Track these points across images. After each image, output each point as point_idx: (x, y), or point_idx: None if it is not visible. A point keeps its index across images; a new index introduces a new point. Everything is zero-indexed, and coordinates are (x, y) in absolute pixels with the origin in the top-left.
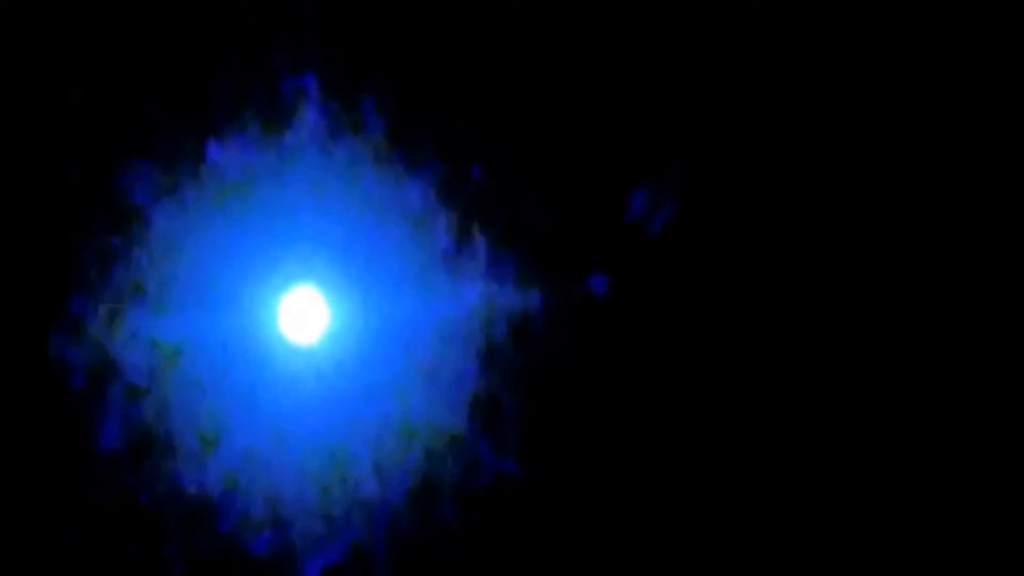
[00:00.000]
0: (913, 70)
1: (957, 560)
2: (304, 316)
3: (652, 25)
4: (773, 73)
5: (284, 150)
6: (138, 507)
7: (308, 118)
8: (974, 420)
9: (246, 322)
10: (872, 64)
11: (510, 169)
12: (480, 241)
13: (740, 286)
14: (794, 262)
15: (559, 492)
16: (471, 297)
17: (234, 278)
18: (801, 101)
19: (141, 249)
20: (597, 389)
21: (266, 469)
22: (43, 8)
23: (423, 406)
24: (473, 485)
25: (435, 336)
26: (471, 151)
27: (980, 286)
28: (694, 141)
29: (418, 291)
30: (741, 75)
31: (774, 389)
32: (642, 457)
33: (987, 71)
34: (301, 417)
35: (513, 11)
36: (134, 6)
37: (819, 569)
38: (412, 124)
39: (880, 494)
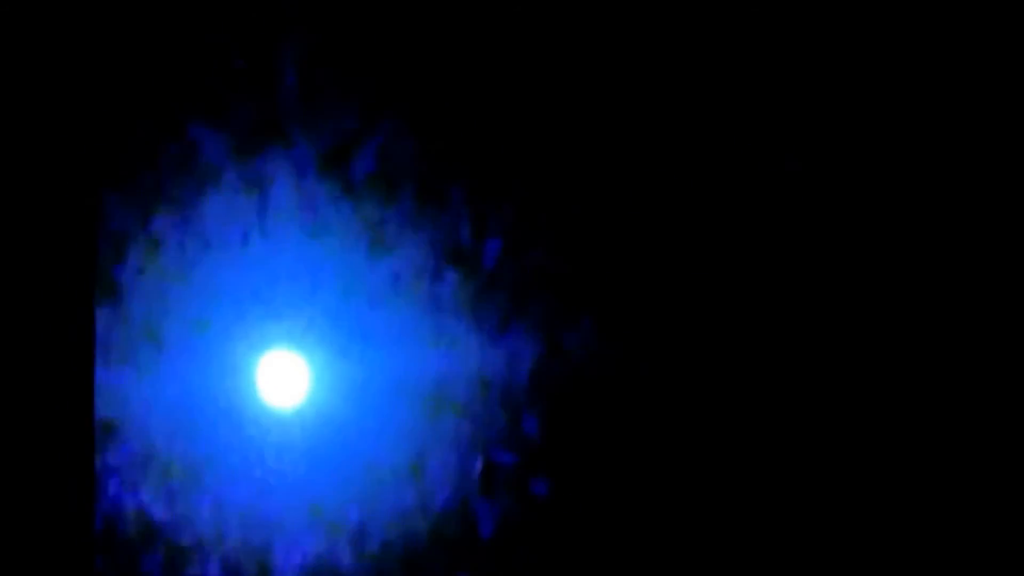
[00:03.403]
0: (913, 70)
1: (957, 560)
2: (283, 379)
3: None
4: (772, 75)
5: (265, 208)
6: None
7: (290, 177)
8: (974, 420)
9: (224, 385)
10: (872, 64)
11: (495, 226)
12: (466, 300)
13: (739, 290)
14: (795, 263)
15: (552, 563)
16: (454, 358)
17: (212, 340)
18: (801, 102)
19: (118, 309)
20: (589, 452)
21: (246, 533)
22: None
23: (407, 470)
24: (463, 550)
25: (417, 398)
26: (454, 211)
27: (980, 286)
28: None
29: (400, 352)
30: (735, 87)
31: (775, 394)
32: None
33: (987, 71)
34: (281, 480)
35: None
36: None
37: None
38: (396, 185)
39: (883, 496)
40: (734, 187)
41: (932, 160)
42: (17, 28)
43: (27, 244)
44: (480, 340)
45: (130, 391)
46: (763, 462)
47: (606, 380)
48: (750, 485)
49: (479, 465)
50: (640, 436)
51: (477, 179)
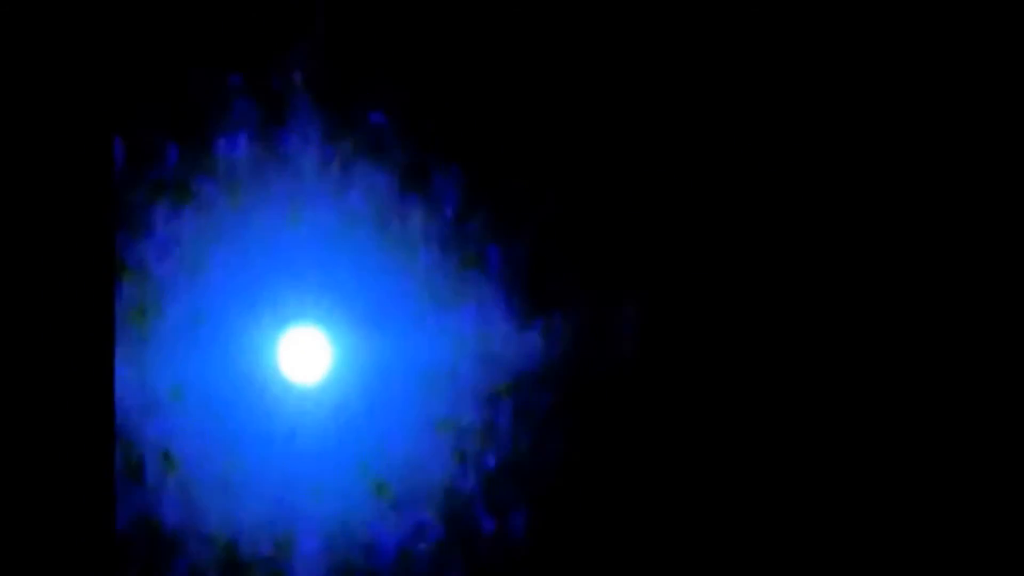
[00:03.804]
0: (913, 70)
1: (957, 560)
2: (305, 356)
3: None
4: (771, 76)
5: (286, 184)
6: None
7: (312, 151)
8: (974, 420)
9: (245, 362)
10: (871, 64)
11: (519, 204)
12: (490, 279)
13: (740, 289)
14: (795, 264)
15: (569, 540)
16: (478, 336)
17: (233, 316)
18: (800, 102)
19: (136, 287)
20: (606, 433)
21: (268, 511)
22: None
23: (430, 448)
24: (480, 530)
25: (440, 377)
26: (479, 187)
27: (980, 286)
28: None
29: (423, 329)
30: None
31: (777, 394)
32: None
33: (987, 71)
34: (303, 459)
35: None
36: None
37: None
38: (420, 161)
39: (884, 496)
40: (741, 179)
41: (931, 160)
42: None
43: (40, 226)
44: (504, 321)
45: (150, 369)
46: (765, 458)
47: (629, 363)
48: (753, 482)
49: (497, 446)
50: (660, 423)
51: (502, 161)
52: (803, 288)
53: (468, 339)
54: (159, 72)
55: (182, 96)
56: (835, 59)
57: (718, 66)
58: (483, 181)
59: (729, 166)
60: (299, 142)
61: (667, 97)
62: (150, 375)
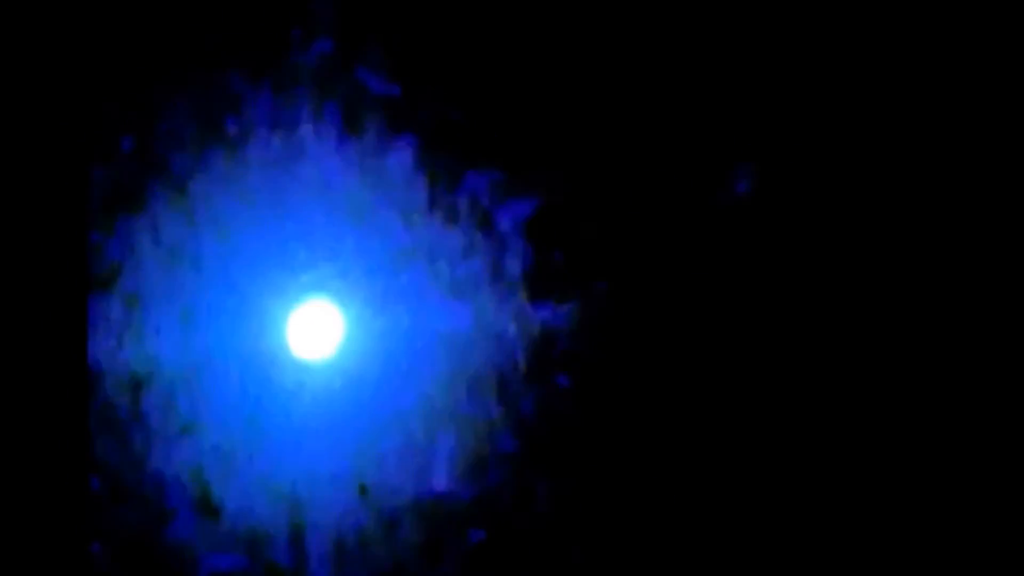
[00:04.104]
0: (912, 70)
1: (957, 560)
2: (316, 330)
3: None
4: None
5: (298, 157)
6: (140, 531)
7: (324, 124)
8: (974, 420)
9: (255, 337)
10: (871, 64)
11: (538, 179)
12: (506, 254)
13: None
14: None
15: (581, 518)
16: (493, 312)
17: (243, 291)
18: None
19: (146, 260)
20: (624, 411)
21: (275, 488)
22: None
23: (441, 425)
24: (492, 507)
25: (454, 352)
26: (495, 161)
27: (980, 286)
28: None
29: (437, 304)
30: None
31: (778, 393)
32: (671, 481)
33: (987, 71)
34: (312, 435)
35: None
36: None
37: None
38: (436, 131)
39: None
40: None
41: (930, 161)
42: None
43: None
44: (516, 297)
45: (161, 344)
46: (768, 455)
47: (639, 340)
48: (757, 478)
49: (511, 421)
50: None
51: (513, 136)
52: (809, 279)
53: (480, 316)
54: (165, 47)
55: (190, 73)
56: (832, 57)
57: (721, 55)
58: (500, 157)
59: (741, 156)
60: (312, 117)
61: (682, 78)
62: (159, 352)
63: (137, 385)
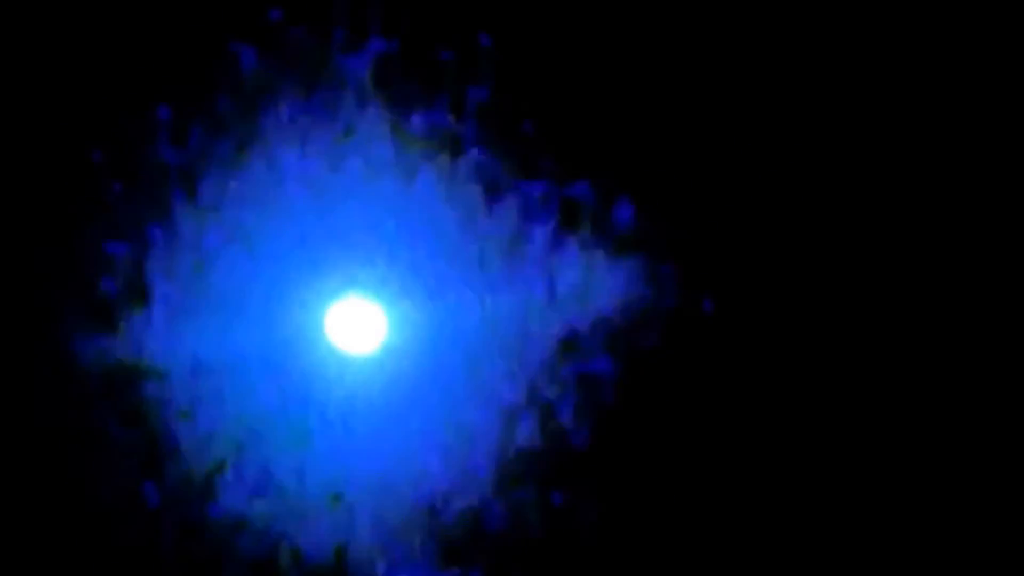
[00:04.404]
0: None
1: (957, 560)
2: (357, 326)
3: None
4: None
5: (338, 151)
6: (181, 529)
7: (363, 119)
8: (974, 421)
9: (296, 332)
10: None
11: (574, 173)
12: (543, 249)
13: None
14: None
15: (624, 507)
16: (533, 306)
17: (284, 286)
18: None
19: (188, 256)
20: (664, 402)
21: (318, 486)
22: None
23: (483, 419)
24: (534, 500)
25: (494, 346)
26: (531, 157)
27: (980, 286)
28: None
29: (477, 299)
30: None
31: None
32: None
33: (987, 71)
34: (355, 431)
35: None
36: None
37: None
38: (470, 129)
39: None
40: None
41: (929, 161)
42: None
43: None
44: (558, 291)
45: (202, 337)
46: (769, 454)
47: (685, 332)
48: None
49: (553, 415)
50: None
51: (558, 128)
52: (809, 278)
53: (520, 311)
54: (206, 37)
55: (230, 66)
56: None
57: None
58: (542, 154)
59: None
60: (355, 114)
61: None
62: (203, 345)
63: (179, 379)
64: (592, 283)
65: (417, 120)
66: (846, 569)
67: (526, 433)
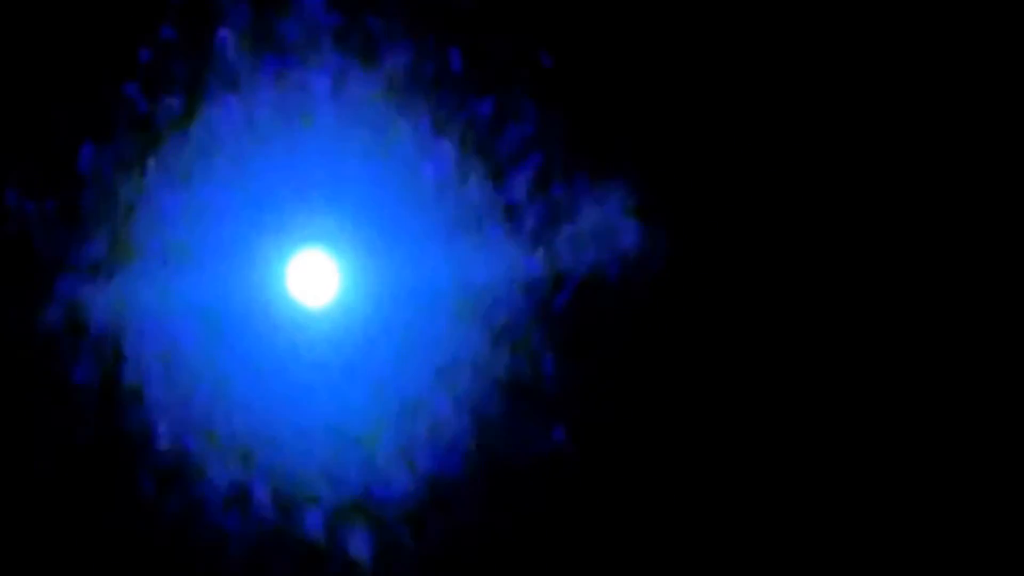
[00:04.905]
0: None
1: (957, 560)
2: (314, 279)
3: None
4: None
5: (295, 103)
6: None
7: (322, 67)
8: (974, 421)
9: (253, 285)
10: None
11: (544, 131)
12: (510, 206)
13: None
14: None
15: (576, 476)
16: (497, 265)
17: (240, 239)
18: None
19: (140, 209)
20: (622, 369)
21: (272, 440)
22: None
23: (438, 380)
24: (487, 465)
25: (454, 306)
26: (499, 112)
27: (980, 286)
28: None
29: (439, 255)
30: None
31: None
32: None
33: (987, 71)
34: (309, 385)
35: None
36: None
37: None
38: (436, 78)
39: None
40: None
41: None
42: None
43: None
44: (519, 247)
45: (156, 291)
46: (768, 455)
47: (651, 290)
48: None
49: (511, 375)
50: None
51: (524, 81)
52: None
53: (478, 264)
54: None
55: (192, 22)
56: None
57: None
58: (497, 101)
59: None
60: (308, 66)
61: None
62: (159, 298)
63: (133, 336)
64: (557, 245)
65: (382, 75)
66: (846, 569)
67: (478, 391)
